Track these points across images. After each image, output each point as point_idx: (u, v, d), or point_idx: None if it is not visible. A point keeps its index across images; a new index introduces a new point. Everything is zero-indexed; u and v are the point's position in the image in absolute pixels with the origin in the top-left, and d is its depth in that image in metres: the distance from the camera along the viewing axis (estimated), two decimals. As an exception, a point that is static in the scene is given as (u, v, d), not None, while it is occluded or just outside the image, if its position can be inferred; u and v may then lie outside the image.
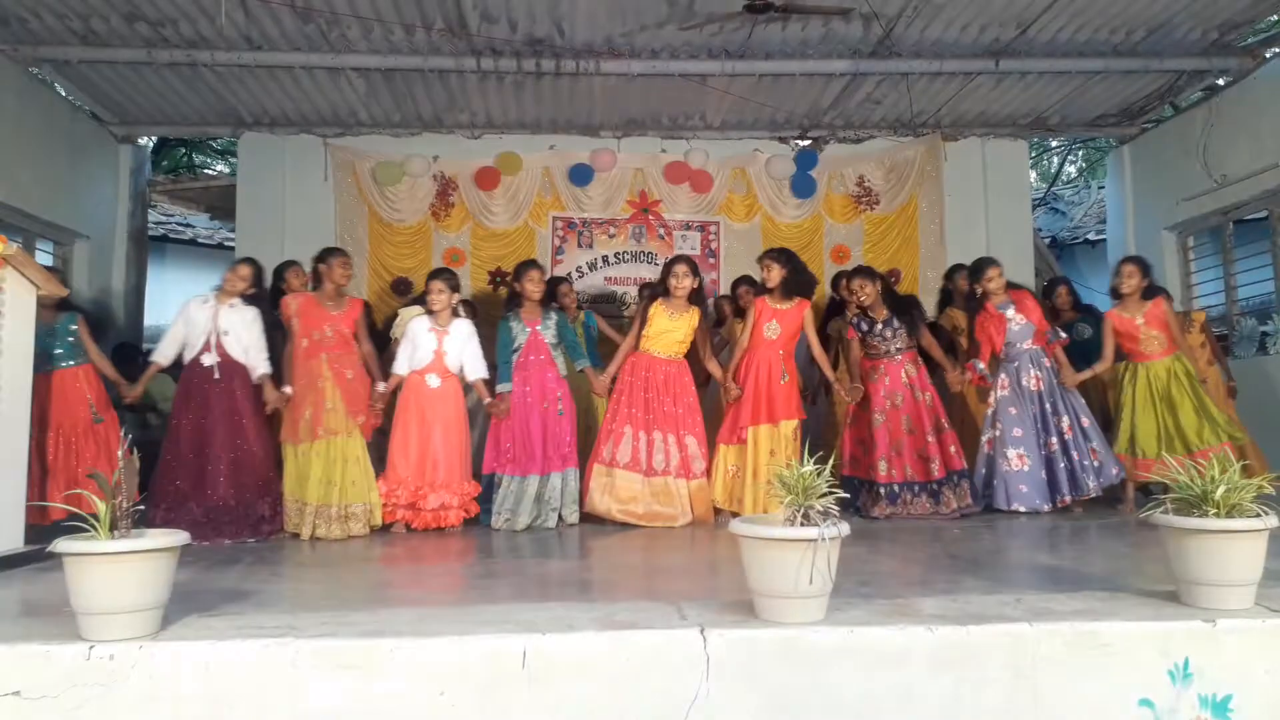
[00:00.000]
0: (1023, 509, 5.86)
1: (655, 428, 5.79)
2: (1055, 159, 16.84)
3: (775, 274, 5.93)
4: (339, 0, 6.69)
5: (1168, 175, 8.86)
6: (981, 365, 6.11)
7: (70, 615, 2.73)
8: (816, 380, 6.86)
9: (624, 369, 5.95)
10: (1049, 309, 6.77)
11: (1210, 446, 5.59)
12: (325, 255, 5.86)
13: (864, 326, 6.17)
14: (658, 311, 5.91)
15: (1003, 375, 6.11)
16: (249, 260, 5.84)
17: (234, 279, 5.65)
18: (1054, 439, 5.93)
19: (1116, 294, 6.18)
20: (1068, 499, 5.85)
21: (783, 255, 6.06)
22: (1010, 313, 6.08)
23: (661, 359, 5.90)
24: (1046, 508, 5.87)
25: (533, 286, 5.95)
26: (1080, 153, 16.88)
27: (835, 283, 7.63)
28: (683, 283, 5.85)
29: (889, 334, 6.10)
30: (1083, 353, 6.38)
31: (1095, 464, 5.88)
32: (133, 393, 5.73)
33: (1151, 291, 6.13)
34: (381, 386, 5.70)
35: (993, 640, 2.71)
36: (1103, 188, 11.62)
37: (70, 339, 5.70)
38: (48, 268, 6.57)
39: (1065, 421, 5.91)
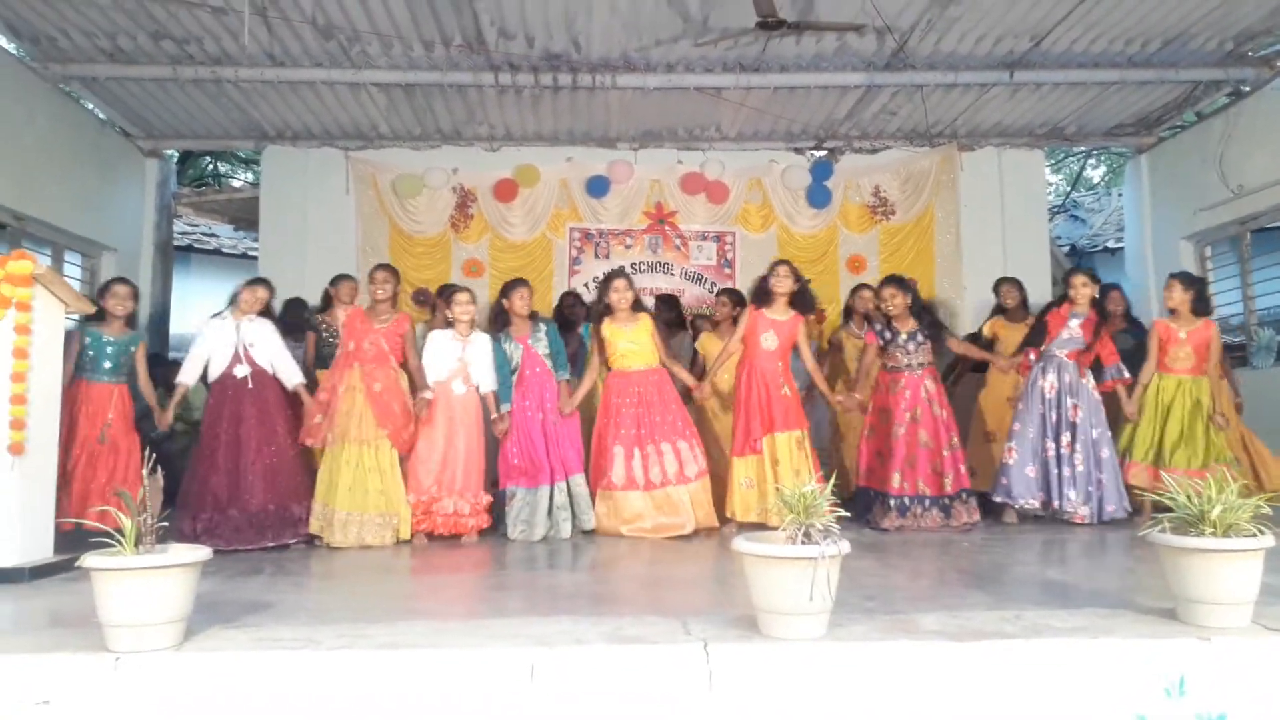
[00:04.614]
0: (997, 499, 5.97)
1: (649, 440, 5.86)
2: (1077, 162, 16.78)
3: (789, 284, 6.01)
4: (359, 18, 6.81)
5: (1185, 185, 8.85)
6: (1034, 356, 6.17)
7: (97, 626, 2.84)
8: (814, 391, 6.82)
9: (608, 390, 6.04)
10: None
11: (1178, 468, 5.63)
12: (371, 271, 6.11)
13: (886, 335, 6.18)
14: (612, 332, 6.00)
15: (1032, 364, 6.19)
16: (266, 283, 6.03)
17: (251, 299, 5.85)
18: (1051, 443, 5.96)
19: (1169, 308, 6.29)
20: (1055, 504, 5.88)
21: (795, 268, 6.15)
22: (1073, 323, 6.12)
23: (641, 371, 5.98)
24: (1033, 503, 5.91)
25: (521, 304, 6.08)
26: (1103, 157, 16.81)
27: (854, 292, 7.75)
28: (625, 295, 6.00)
29: (911, 347, 6.10)
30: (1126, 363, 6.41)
31: (1098, 494, 5.86)
32: (164, 420, 5.84)
33: (1203, 309, 6.21)
34: (429, 394, 5.80)
35: (989, 657, 2.76)
36: (1122, 194, 11.59)
37: (123, 357, 5.80)
38: (118, 281, 6.60)
39: (1068, 438, 5.92)
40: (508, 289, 6.17)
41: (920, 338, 6.12)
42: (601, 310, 6.11)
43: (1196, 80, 8.14)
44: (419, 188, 9.04)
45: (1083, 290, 6.14)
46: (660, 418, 5.90)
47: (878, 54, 7.62)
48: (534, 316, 6.20)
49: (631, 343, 5.99)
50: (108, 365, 5.73)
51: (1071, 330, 6.11)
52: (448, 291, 6.34)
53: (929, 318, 6.27)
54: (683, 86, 7.90)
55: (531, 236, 9.15)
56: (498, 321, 6.15)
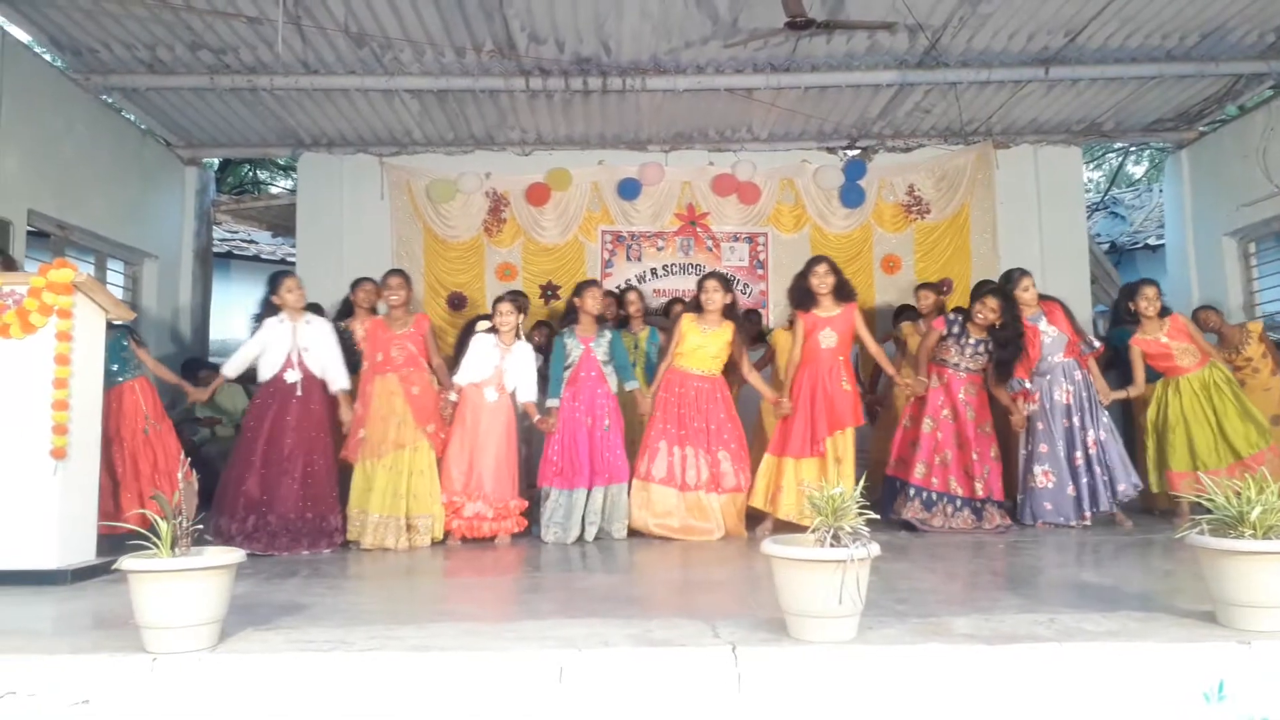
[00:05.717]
0: (1044, 524, 5.88)
1: (688, 443, 5.87)
2: (1118, 158, 16.49)
3: (831, 281, 5.99)
4: (391, 25, 6.89)
5: (1227, 180, 8.69)
6: (1027, 383, 6.06)
7: (136, 628, 2.89)
8: (881, 385, 6.89)
9: (660, 385, 6.04)
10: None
11: (1260, 450, 5.61)
12: (384, 277, 6.18)
13: (955, 329, 6.10)
14: (690, 328, 5.99)
15: (1034, 389, 6.07)
16: (290, 273, 6.07)
17: (288, 295, 5.82)
18: (1079, 453, 5.87)
19: (1135, 318, 6.16)
20: (1088, 515, 5.79)
21: (833, 262, 6.16)
22: (1043, 325, 6.04)
23: (695, 375, 5.98)
24: (1074, 523, 5.82)
25: (593, 303, 6.08)
26: (1145, 152, 16.52)
27: (919, 290, 7.84)
28: (714, 298, 5.94)
29: (969, 351, 6.03)
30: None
31: (1106, 475, 5.85)
32: (199, 396, 6.06)
33: (1164, 310, 6.18)
34: (453, 395, 5.86)
35: (1021, 661, 2.73)
36: (1163, 190, 11.40)
37: (123, 354, 5.99)
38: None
39: (1091, 435, 5.84)
40: (581, 288, 6.20)
41: (984, 350, 6.03)
42: (691, 307, 6.13)
43: (1237, 74, 7.99)
44: (452, 192, 9.11)
45: (1022, 294, 6.09)
46: (701, 424, 5.89)
47: (910, 52, 7.56)
48: (601, 320, 6.21)
49: (700, 345, 5.96)
50: (115, 367, 5.88)
51: (1048, 333, 6.04)
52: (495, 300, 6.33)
53: (1001, 336, 6.06)
54: (713, 88, 7.90)
55: (564, 239, 9.19)
56: (567, 318, 6.19)
